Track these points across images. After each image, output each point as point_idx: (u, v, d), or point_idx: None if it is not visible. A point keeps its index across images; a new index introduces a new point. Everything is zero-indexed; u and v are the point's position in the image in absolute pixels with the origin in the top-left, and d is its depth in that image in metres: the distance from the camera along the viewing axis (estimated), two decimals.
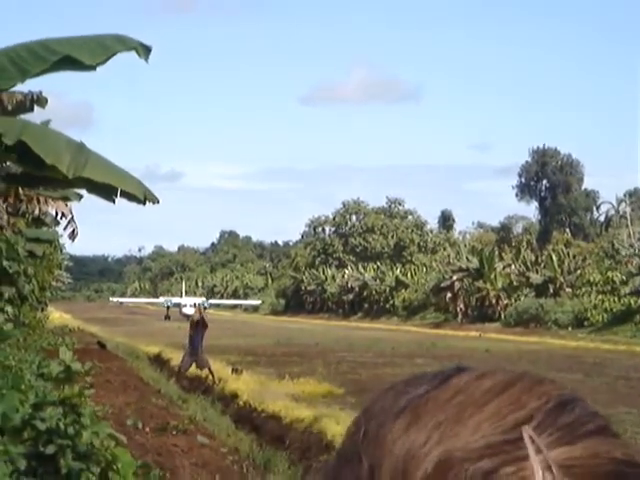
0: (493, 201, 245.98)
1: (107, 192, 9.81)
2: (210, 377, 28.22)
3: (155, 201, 9.48)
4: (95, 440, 6.00)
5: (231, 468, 12.01)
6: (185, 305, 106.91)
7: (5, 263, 24.45)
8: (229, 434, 15.90)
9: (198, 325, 29.86)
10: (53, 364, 6.70)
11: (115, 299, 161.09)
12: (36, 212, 26.84)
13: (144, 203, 9.38)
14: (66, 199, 24.12)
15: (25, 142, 8.56)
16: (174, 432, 12.92)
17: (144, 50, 8.46)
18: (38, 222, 27.69)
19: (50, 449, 5.95)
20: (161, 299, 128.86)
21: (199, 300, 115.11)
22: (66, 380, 6.49)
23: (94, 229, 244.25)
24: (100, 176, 8.93)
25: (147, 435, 12.33)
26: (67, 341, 33.37)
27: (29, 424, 5.90)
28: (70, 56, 8.48)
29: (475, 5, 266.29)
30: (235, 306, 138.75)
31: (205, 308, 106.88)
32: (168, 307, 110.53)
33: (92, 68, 8.67)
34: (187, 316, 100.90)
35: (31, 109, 21.34)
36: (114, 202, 9.81)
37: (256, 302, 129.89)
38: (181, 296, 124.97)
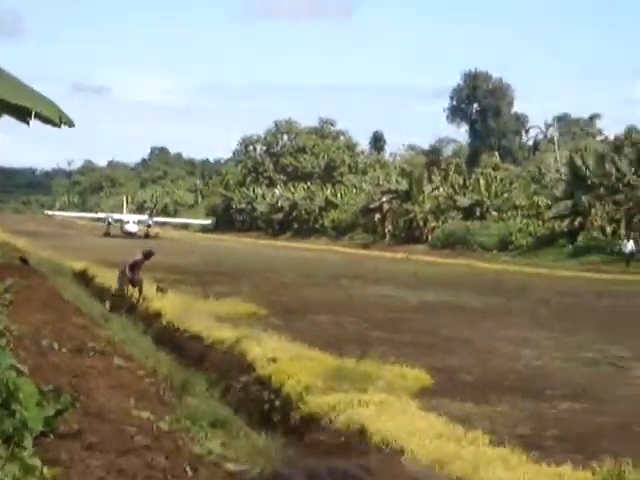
0: (425, 123, 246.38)
1: (21, 114, 9.63)
2: (135, 295, 27.90)
3: (71, 124, 9.36)
4: None
5: (148, 390, 12.02)
6: (128, 222, 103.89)
7: None
8: (148, 355, 15.90)
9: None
10: None
11: (50, 212, 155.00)
12: None
13: (59, 126, 9.24)
14: None
15: None
16: (91, 353, 12.87)
17: None
18: None
19: None
20: (101, 214, 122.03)
21: (143, 217, 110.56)
22: None
23: (21, 140, 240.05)
24: (14, 97, 8.78)
25: (63, 356, 12.27)
26: None
27: None
28: None
29: None
30: (185, 225, 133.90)
31: (149, 226, 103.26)
32: (109, 223, 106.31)
33: None
34: (130, 233, 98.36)
35: None
36: (28, 124, 9.63)
37: (205, 221, 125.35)
38: (122, 212, 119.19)
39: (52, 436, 7.57)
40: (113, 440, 8.27)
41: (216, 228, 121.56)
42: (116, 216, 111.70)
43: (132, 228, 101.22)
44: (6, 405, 6.07)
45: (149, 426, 9.25)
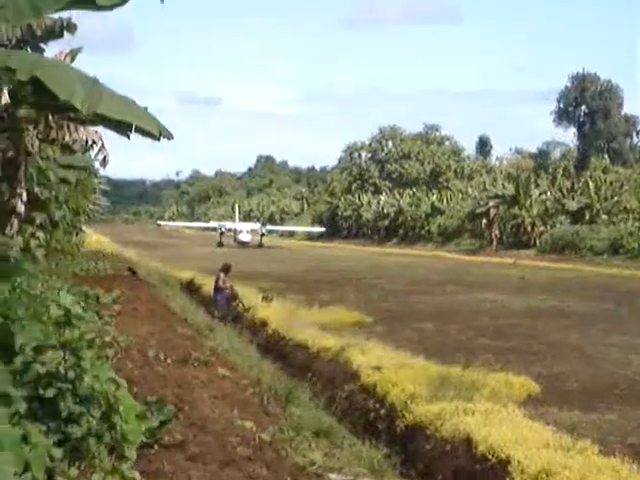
0: (532, 127, 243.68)
1: (122, 128, 9.78)
2: (240, 305, 28.08)
3: (170, 137, 9.45)
4: (96, 384, 6.06)
5: (251, 400, 12.07)
6: (241, 231, 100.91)
7: (36, 189, 24.61)
8: (252, 365, 15.98)
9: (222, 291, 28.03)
10: (53, 307, 6.74)
11: (162, 222, 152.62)
12: (66, 139, 26.88)
13: (159, 139, 9.36)
14: (95, 123, 23.95)
15: (38, 78, 8.51)
16: (195, 364, 12.99)
17: None
18: (68, 149, 27.72)
19: (50, 392, 6.02)
20: (213, 224, 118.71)
21: (255, 226, 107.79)
22: (66, 324, 6.53)
23: (132, 152, 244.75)
24: (114, 113, 8.90)
25: (168, 366, 12.41)
26: (100, 266, 33.61)
27: (29, 367, 5.98)
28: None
29: None
30: (291, 233, 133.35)
31: (263, 235, 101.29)
32: (222, 233, 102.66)
33: (107, 8, 8.62)
34: (243, 243, 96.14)
35: (60, 35, 21.21)
36: (129, 137, 9.79)
37: (319, 229, 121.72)
38: (234, 221, 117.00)
39: (156, 447, 7.66)
40: (216, 451, 8.32)
41: (322, 236, 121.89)
42: (229, 225, 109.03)
43: (246, 237, 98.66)
44: (107, 418, 6.15)
45: (252, 437, 9.28)
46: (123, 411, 6.19)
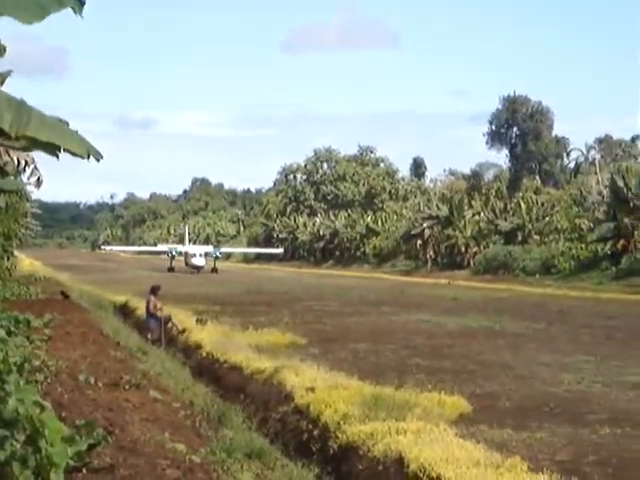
0: (465, 148, 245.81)
1: (50, 149, 9.75)
2: (174, 328, 27.89)
3: (99, 158, 9.45)
4: (20, 407, 6.01)
5: (183, 422, 12.03)
6: (194, 255, 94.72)
7: None
8: (185, 388, 15.92)
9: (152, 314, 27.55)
10: None
11: (107, 247, 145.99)
12: None
13: (88, 159, 9.36)
14: (27, 149, 23.71)
15: None
16: (127, 387, 12.92)
17: (79, 6, 8.37)
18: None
19: None
20: (162, 247, 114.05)
21: (208, 249, 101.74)
22: None
23: (65, 175, 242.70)
24: (43, 134, 8.86)
25: (99, 390, 12.32)
26: (31, 291, 33.31)
27: None
28: (9, 16, 8.45)
29: None
30: (228, 255, 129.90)
31: (217, 257, 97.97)
32: (172, 257, 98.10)
33: (27, 23, 8.64)
34: (197, 267, 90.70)
35: None
36: (58, 158, 9.80)
37: (277, 250, 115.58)
38: (183, 243, 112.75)
39: (85, 470, 7.60)
40: (145, 474, 8.28)
41: (258, 258, 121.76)
42: (180, 248, 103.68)
43: (199, 262, 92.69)
44: (32, 441, 6.10)
45: (182, 459, 9.25)
46: (48, 434, 6.14)
